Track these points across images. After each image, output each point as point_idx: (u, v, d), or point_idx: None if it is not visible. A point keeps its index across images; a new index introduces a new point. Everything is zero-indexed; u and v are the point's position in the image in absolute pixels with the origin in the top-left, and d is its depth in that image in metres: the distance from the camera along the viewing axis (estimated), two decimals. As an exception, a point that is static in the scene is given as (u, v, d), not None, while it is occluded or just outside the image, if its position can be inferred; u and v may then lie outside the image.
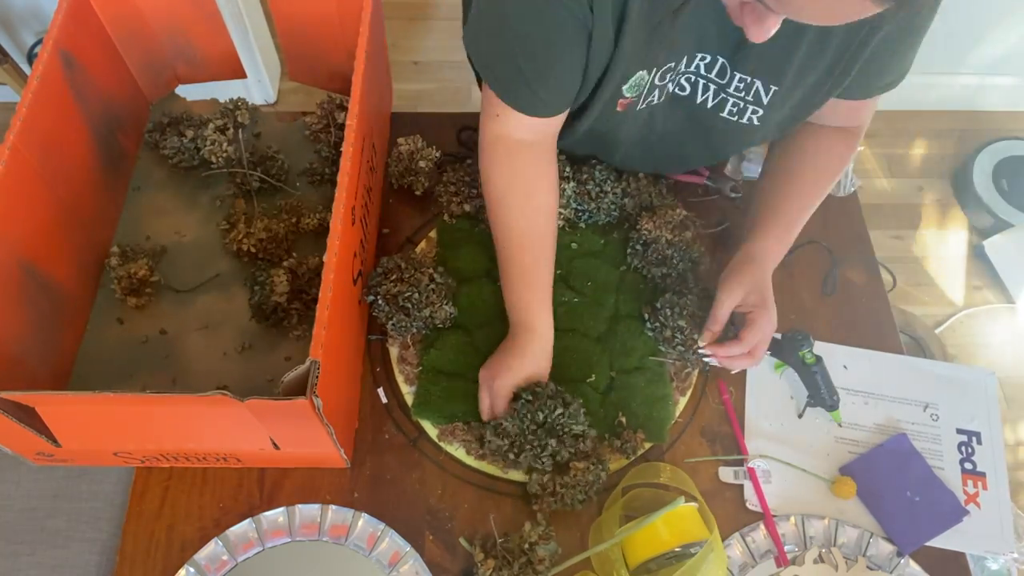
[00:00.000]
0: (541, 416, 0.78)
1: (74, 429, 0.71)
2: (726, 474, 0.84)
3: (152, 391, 0.62)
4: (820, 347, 0.91)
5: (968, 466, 0.87)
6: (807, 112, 0.82)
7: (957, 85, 2.22)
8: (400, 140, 0.98)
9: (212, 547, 0.77)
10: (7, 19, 1.81)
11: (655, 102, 0.81)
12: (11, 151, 0.73)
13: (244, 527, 0.78)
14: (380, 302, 0.84)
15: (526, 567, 0.74)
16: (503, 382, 0.81)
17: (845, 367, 0.92)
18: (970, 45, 2.09)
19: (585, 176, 0.96)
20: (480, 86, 0.85)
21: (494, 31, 0.76)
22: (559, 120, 0.81)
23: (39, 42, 1.86)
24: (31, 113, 0.76)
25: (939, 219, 2.11)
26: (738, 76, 0.77)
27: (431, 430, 0.85)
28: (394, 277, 0.84)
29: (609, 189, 0.96)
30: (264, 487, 0.81)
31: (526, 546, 0.74)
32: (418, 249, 0.97)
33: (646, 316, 0.90)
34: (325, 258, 0.68)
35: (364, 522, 0.79)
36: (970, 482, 0.86)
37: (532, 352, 0.82)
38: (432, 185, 0.99)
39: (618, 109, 0.80)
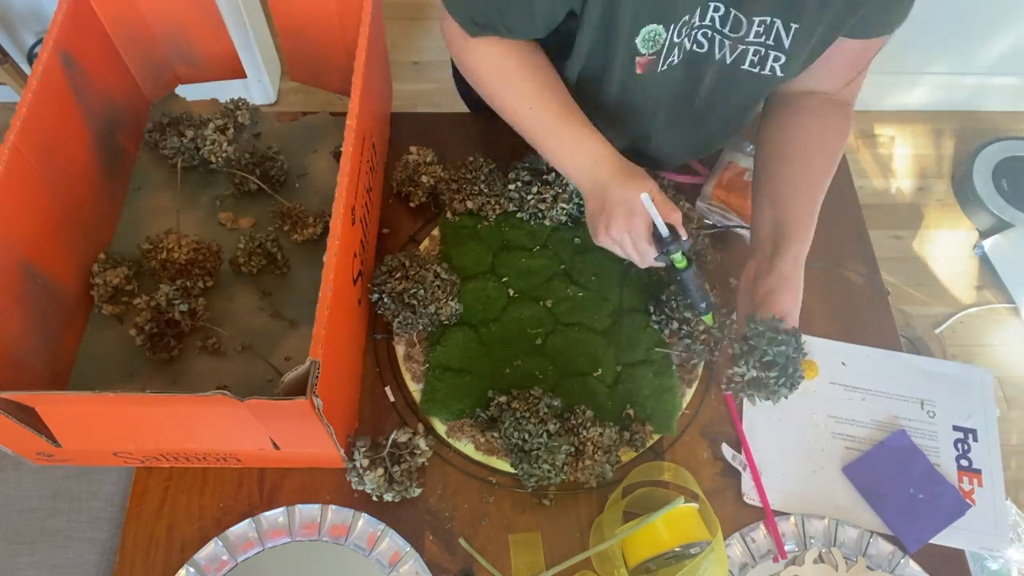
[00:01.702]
0: (520, 436, 0.78)
1: (74, 429, 0.71)
2: (727, 453, 0.84)
3: (152, 391, 0.62)
4: (819, 344, 0.91)
5: (964, 463, 0.87)
6: (819, 54, 0.80)
7: (957, 85, 2.22)
8: (412, 149, 0.98)
9: (212, 547, 0.77)
10: (7, 19, 1.81)
11: (675, 62, 0.80)
12: (11, 151, 0.73)
13: (244, 527, 0.78)
14: (385, 299, 0.84)
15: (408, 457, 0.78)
16: (607, 225, 0.77)
17: (843, 363, 0.92)
18: (970, 45, 2.09)
19: None
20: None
21: None
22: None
23: (39, 42, 1.86)
24: (31, 113, 0.76)
25: (939, 219, 2.11)
26: (756, 21, 0.75)
27: (439, 427, 0.85)
28: (399, 274, 0.84)
29: None
30: (264, 487, 0.81)
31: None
32: (421, 247, 0.97)
33: (651, 309, 0.90)
34: (325, 258, 0.69)
35: (364, 522, 0.79)
36: (966, 479, 0.86)
37: (609, 183, 0.78)
38: (428, 200, 0.99)
39: (638, 71, 0.78)
